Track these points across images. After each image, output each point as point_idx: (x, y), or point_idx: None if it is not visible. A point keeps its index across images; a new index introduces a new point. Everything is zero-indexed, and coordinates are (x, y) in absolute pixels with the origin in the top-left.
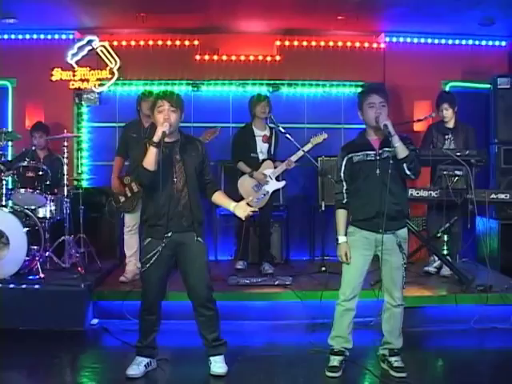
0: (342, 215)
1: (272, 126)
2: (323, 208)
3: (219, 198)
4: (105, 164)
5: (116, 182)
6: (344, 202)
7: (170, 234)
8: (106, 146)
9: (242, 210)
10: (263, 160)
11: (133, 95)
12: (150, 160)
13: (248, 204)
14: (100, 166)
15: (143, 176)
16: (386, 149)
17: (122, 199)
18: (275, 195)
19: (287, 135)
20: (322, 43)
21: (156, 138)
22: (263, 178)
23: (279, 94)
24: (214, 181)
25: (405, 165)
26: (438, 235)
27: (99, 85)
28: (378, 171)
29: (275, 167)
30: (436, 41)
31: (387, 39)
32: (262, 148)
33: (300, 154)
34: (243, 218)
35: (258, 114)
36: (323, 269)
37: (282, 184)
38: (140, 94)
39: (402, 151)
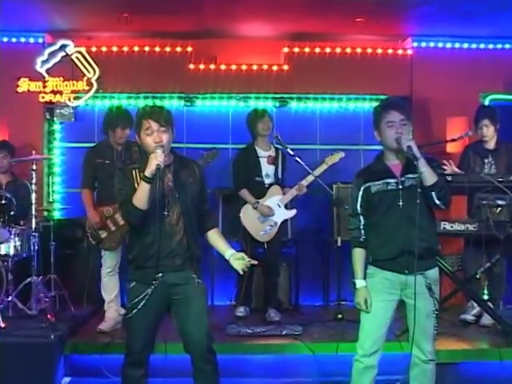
0: (359, 255)
1: (279, 147)
2: (339, 244)
3: (215, 238)
4: (81, 191)
5: (95, 215)
6: (361, 239)
7: (161, 275)
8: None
9: (239, 262)
10: (270, 185)
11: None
12: (142, 198)
13: (246, 252)
14: (75, 193)
15: (134, 216)
16: (410, 175)
17: (104, 234)
18: (282, 228)
19: (297, 158)
20: (338, 50)
21: (149, 173)
22: (268, 211)
23: (287, 110)
24: (210, 213)
25: (433, 193)
26: (477, 277)
27: (74, 98)
28: (400, 202)
29: (284, 193)
30: (473, 45)
31: (414, 44)
32: (267, 171)
33: (312, 177)
34: (240, 272)
35: (261, 131)
36: (339, 316)
37: (292, 213)
38: (107, 111)
39: (429, 177)
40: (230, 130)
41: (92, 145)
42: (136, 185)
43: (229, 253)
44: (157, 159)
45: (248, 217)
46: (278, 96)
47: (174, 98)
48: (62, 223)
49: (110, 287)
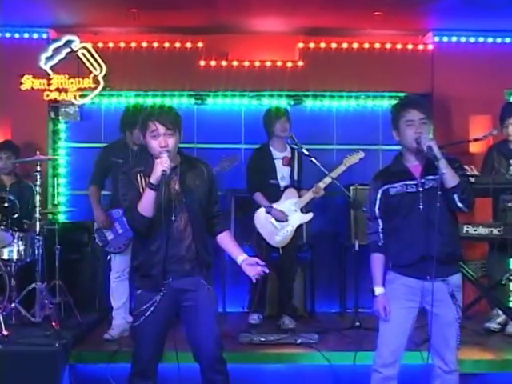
0: (378, 260)
1: (294, 147)
2: (357, 248)
3: (226, 241)
4: (87, 193)
5: (100, 213)
6: (380, 244)
7: (169, 281)
8: (88, 171)
9: (251, 269)
10: (285, 188)
11: (122, 109)
12: (148, 205)
13: (260, 257)
14: (81, 195)
15: (139, 224)
16: (430, 177)
17: (110, 236)
18: (297, 232)
19: (312, 159)
20: (355, 45)
21: (154, 179)
22: (282, 216)
23: (302, 109)
24: (220, 215)
25: (455, 195)
26: (502, 283)
27: (80, 96)
28: (421, 205)
29: (300, 196)
30: (498, 40)
31: (436, 39)
32: (282, 173)
33: (329, 179)
34: (253, 279)
35: (278, 132)
36: (357, 324)
37: (308, 217)
38: (125, 110)
39: (451, 179)
40: (242, 130)
41: (106, 143)
42: (141, 190)
43: (241, 258)
44: (162, 165)
45: (262, 221)
46: (293, 94)
47: (183, 96)
48: (68, 227)
49: (118, 293)
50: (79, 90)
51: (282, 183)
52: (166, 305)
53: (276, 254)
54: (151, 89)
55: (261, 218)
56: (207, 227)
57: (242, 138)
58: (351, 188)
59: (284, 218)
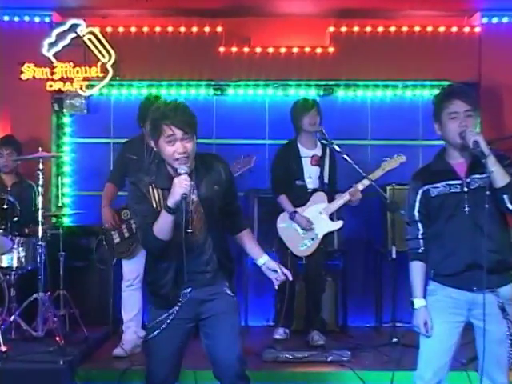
0: (418, 269)
1: (324, 142)
2: (394, 255)
3: (245, 240)
4: (95, 194)
5: (108, 212)
6: (420, 251)
7: (188, 291)
8: (96, 169)
9: (273, 273)
10: (314, 190)
11: (133, 101)
12: (164, 229)
13: (284, 265)
14: (88, 196)
15: (154, 246)
16: (477, 176)
17: (117, 239)
18: (327, 238)
19: (344, 156)
20: (393, 29)
21: (173, 203)
22: (306, 224)
23: (333, 100)
24: (240, 212)
25: (505, 196)
26: None
27: (87, 86)
28: (466, 208)
29: (330, 201)
30: None
31: (484, 20)
32: (310, 173)
33: (367, 182)
34: (275, 285)
35: (306, 126)
36: (394, 340)
37: (337, 225)
38: (143, 101)
39: (500, 177)
40: (266, 124)
41: (118, 140)
42: (154, 203)
43: (262, 260)
44: (181, 187)
45: (286, 227)
46: (323, 83)
47: (201, 86)
48: (73, 231)
49: (129, 304)
50: (86, 79)
51: (310, 185)
52: (184, 318)
53: (302, 262)
54: (165, 78)
55: (284, 222)
56: (226, 226)
57: (265, 132)
58: (388, 188)
59: (308, 226)
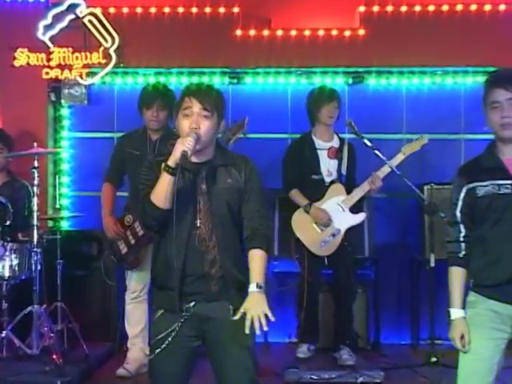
0: (457, 276)
1: (354, 136)
2: (432, 264)
3: (251, 260)
4: (96, 195)
5: (109, 220)
6: (461, 255)
7: (191, 305)
8: (98, 167)
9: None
10: (331, 183)
11: (139, 90)
12: (161, 192)
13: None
14: (89, 197)
15: (149, 214)
16: None
17: (124, 249)
18: (358, 244)
19: (376, 151)
20: (431, 8)
21: (172, 161)
22: (322, 216)
23: (363, 88)
24: (264, 228)
25: None
26: None
27: (88, 74)
28: None
29: (349, 192)
30: None
31: None
32: (328, 166)
33: (388, 169)
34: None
35: (324, 119)
36: (433, 359)
37: (360, 218)
38: (142, 90)
39: None
40: (288, 115)
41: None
42: None
43: (250, 287)
44: (184, 145)
45: (301, 224)
46: (352, 70)
47: (216, 73)
48: (73, 236)
49: (135, 318)
50: (86, 66)
51: (328, 179)
52: (188, 334)
53: (327, 268)
54: (175, 65)
55: (300, 220)
56: (244, 238)
57: (288, 125)
58: (425, 188)
59: (325, 218)
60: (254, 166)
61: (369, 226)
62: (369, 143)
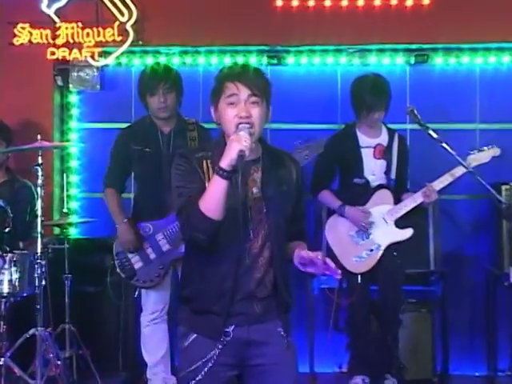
0: None
1: (416, 126)
2: None
3: (293, 245)
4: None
5: (127, 230)
6: None
7: (231, 329)
8: None
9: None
10: (377, 188)
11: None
12: (215, 201)
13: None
14: (102, 200)
15: (197, 227)
16: None
17: (139, 264)
18: (421, 255)
19: (443, 145)
20: None
21: (227, 163)
22: (362, 217)
23: (428, 69)
24: (304, 229)
25: None
26: None
27: (100, 54)
28: None
29: (397, 202)
30: None
31: None
32: (373, 168)
33: (449, 179)
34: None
35: (369, 122)
36: None
37: (406, 234)
38: (141, 74)
39: None
40: (338, 102)
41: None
42: (207, 182)
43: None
44: (240, 142)
45: (335, 232)
46: (415, 47)
47: (252, 52)
48: (83, 246)
49: (154, 342)
50: (99, 45)
51: (374, 183)
52: (226, 363)
53: (373, 285)
54: (204, 43)
55: (334, 227)
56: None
57: (337, 113)
58: (503, 188)
59: (364, 220)
60: (299, 164)
61: (434, 232)
62: (434, 135)
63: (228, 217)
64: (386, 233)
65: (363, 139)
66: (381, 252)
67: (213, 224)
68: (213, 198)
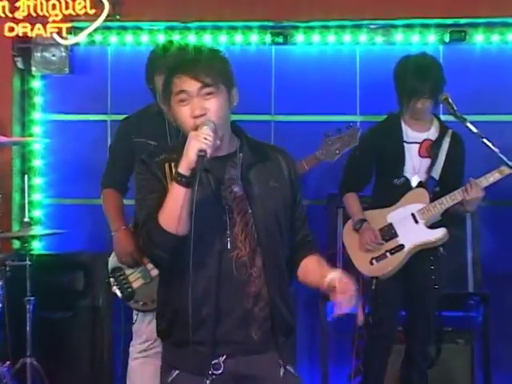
0: None
1: (452, 118)
2: None
3: (311, 266)
4: (84, 203)
5: (126, 238)
6: None
7: (221, 360)
8: (85, 163)
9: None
10: (418, 185)
11: (144, 54)
12: (173, 212)
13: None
14: (72, 206)
15: (157, 244)
16: None
17: (138, 282)
18: (459, 274)
19: (484, 140)
20: None
21: (185, 167)
22: (370, 239)
23: (466, 49)
24: (311, 239)
25: None
26: None
27: (70, 31)
28: None
29: (432, 200)
30: None
31: None
32: (418, 168)
33: (496, 176)
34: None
35: (414, 113)
36: None
37: (436, 235)
38: (152, 52)
39: None
40: (356, 89)
41: (119, 117)
42: None
43: (327, 279)
44: (199, 140)
45: (351, 238)
46: (450, 22)
47: (253, 29)
48: (48, 263)
49: (143, 379)
50: (67, 19)
51: (415, 183)
52: None
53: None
54: (194, 18)
55: (351, 231)
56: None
57: (356, 104)
58: None
59: (372, 242)
60: (291, 157)
61: (474, 248)
62: (473, 129)
63: (202, 225)
64: (413, 233)
65: (408, 133)
66: (404, 255)
67: (174, 239)
68: (172, 210)
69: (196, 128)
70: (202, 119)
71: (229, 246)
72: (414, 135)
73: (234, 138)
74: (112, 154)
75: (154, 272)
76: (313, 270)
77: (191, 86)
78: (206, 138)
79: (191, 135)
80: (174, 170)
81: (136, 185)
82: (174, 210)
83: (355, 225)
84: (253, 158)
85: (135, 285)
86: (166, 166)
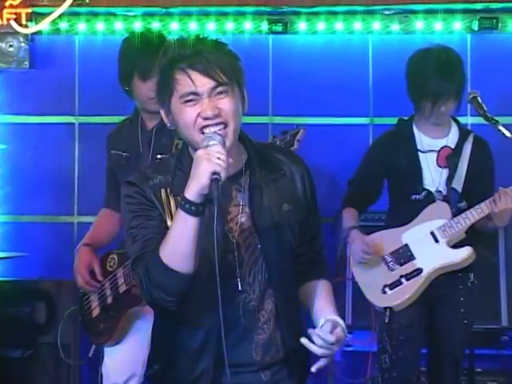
0: None
1: (482, 120)
2: None
3: (313, 289)
4: (46, 220)
5: (83, 255)
6: None
7: None
8: (49, 173)
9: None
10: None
11: (117, 44)
12: (182, 246)
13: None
14: (33, 225)
15: (164, 286)
16: None
17: (96, 310)
18: (488, 306)
19: None
20: None
21: (195, 192)
22: (361, 250)
23: (497, 38)
24: (321, 250)
25: None
26: None
27: (30, 17)
28: None
29: (455, 216)
30: None
31: None
32: (437, 180)
33: None
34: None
35: (433, 118)
36: None
37: (461, 255)
38: (126, 42)
39: None
40: (369, 87)
41: (86, 119)
42: (168, 219)
43: (322, 320)
44: (211, 161)
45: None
46: (479, 7)
47: (247, 16)
48: (5, 291)
49: None
50: (27, 3)
51: (438, 196)
52: None
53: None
54: (178, 3)
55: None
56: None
57: (368, 104)
58: None
59: (363, 256)
60: (305, 165)
61: (507, 273)
62: (507, 132)
63: (202, 264)
64: (434, 254)
65: (423, 140)
66: (422, 280)
67: (181, 279)
68: (178, 244)
69: (202, 130)
70: (214, 122)
71: (239, 289)
72: (429, 142)
73: (239, 150)
74: (106, 170)
75: (110, 298)
76: (316, 300)
77: (203, 84)
78: (219, 158)
79: (200, 154)
80: (171, 198)
81: (124, 211)
82: (181, 244)
83: (344, 232)
84: (262, 177)
85: (94, 313)
86: (163, 191)
